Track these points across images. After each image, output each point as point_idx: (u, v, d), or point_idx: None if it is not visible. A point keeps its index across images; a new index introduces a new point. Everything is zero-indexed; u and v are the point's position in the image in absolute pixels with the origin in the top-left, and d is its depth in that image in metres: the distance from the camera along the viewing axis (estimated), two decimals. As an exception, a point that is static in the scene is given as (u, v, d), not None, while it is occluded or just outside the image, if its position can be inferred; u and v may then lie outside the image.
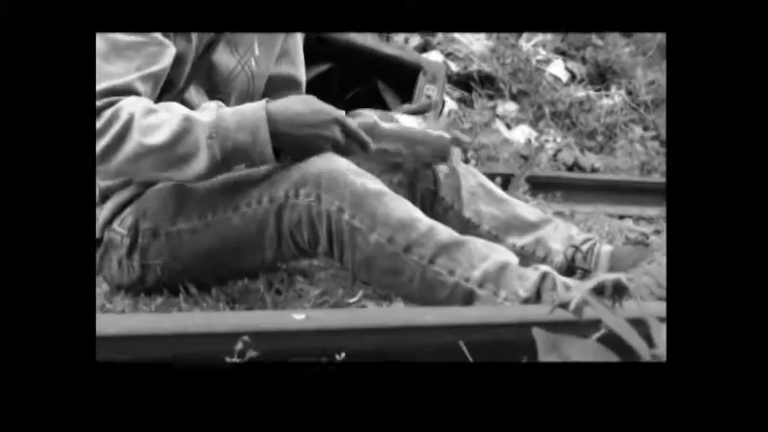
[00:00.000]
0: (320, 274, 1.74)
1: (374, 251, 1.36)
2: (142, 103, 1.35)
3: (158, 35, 1.39)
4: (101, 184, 1.52)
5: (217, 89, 1.58)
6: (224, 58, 1.55)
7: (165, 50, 1.41)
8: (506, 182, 2.91)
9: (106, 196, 1.54)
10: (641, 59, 4.60)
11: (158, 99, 1.45)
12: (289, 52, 1.73)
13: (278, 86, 1.69)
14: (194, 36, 1.47)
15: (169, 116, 1.34)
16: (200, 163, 1.34)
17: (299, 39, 1.76)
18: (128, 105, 1.34)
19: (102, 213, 1.54)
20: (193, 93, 1.55)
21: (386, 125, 1.48)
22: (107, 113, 1.33)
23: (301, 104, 1.41)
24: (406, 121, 1.52)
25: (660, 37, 4.86)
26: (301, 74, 1.76)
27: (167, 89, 1.48)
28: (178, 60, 1.45)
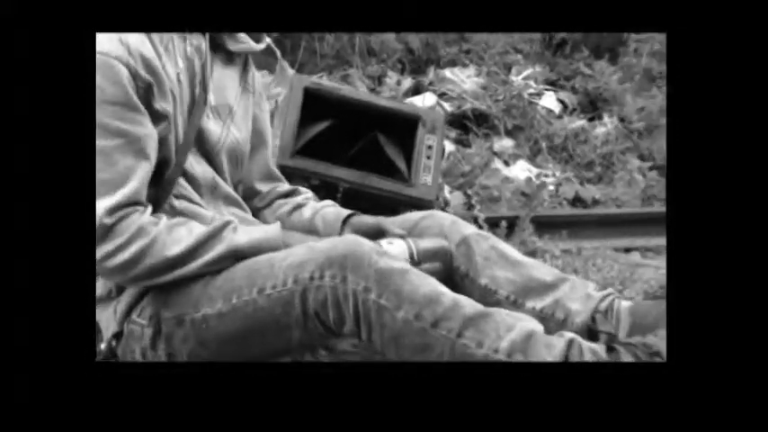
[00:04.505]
0: (342, 344, 1.75)
1: (402, 328, 1.38)
2: (163, 221, 1.45)
3: (135, 128, 1.42)
4: None
5: (210, 155, 1.60)
6: (210, 124, 1.58)
7: (148, 142, 1.44)
8: (512, 224, 2.95)
9: (121, 288, 1.55)
10: (629, 86, 4.65)
11: (158, 179, 1.50)
12: (258, 117, 1.77)
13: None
14: (170, 109, 1.48)
15: (186, 234, 1.46)
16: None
17: (264, 103, 1.80)
18: (148, 225, 1.43)
19: (120, 306, 1.55)
20: (193, 162, 1.57)
21: (422, 243, 1.54)
22: (125, 230, 1.41)
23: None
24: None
25: (645, 62, 4.92)
26: (268, 134, 1.84)
27: (163, 170, 1.51)
28: (164, 139, 1.48)
